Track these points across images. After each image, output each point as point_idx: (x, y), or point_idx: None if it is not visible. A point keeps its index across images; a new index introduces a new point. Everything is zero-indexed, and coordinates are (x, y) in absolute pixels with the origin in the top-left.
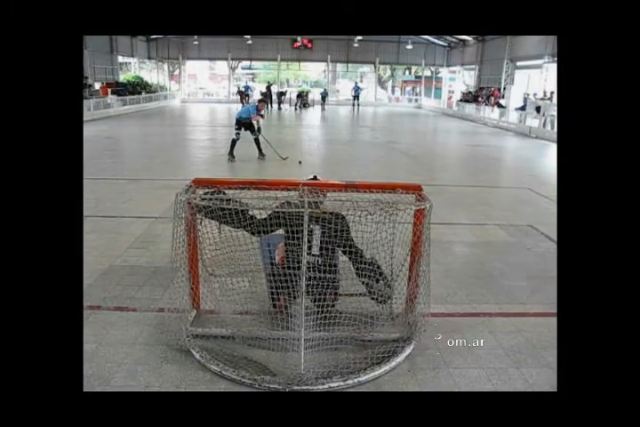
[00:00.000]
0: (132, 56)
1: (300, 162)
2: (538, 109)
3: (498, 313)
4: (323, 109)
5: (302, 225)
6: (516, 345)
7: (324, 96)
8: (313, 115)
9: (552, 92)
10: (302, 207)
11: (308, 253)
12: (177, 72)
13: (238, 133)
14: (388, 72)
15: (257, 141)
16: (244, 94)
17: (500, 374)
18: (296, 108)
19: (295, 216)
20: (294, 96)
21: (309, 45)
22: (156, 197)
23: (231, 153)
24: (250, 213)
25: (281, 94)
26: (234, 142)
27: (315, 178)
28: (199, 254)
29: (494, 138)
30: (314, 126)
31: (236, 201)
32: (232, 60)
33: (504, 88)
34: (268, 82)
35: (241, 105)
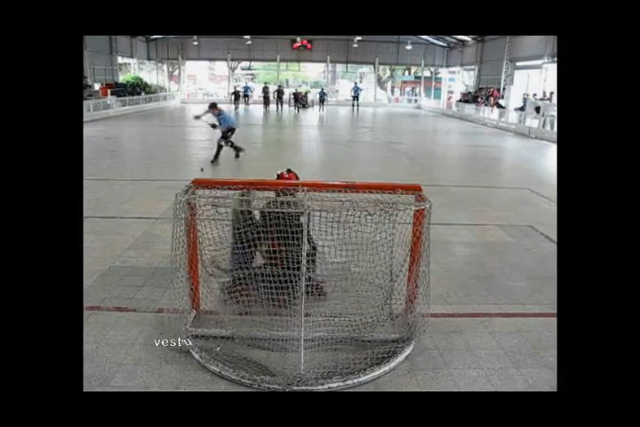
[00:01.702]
0: (132, 57)
1: (202, 169)
2: (537, 110)
3: (498, 313)
4: (320, 110)
5: (300, 226)
6: (515, 345)
7: (321, 97)
8: (312, 116)
9: (552, 93)
10: (302, 207)
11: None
12: (176, 73)
13: (227, 141)
14: (388, 72)
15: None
16: (240, 95)
17: (499, 375)
18: (294, 109)
19: (295, 217)
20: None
21: (309, 46)
22: (155, 197)
23: (238, 152)
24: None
25: (279, 93)
26: (231, 145)
27: (289, 171)
28: (199, 255)
29: (494, 138)
30: (313, 127)
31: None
32: (231, 60)
33: (503, 88)
34: (265, 83)
35: (234, 107)
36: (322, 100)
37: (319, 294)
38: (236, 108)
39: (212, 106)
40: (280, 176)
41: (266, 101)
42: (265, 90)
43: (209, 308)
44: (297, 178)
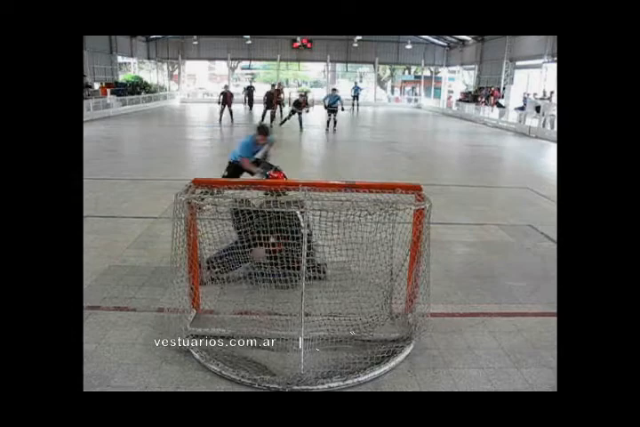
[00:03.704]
0: (132, 56)
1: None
2: (537, 109)
3: (498, 313)
4: (329, 130)
5: (299, 225)
6: (515, 345)
7: (331, 106)
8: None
9: (552, 92)
10: (302, 207)
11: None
12: (176, 72)
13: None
14: (388, 72)
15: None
16: (229, 98)
17: (499, 374)
18: (301, 127)
19: (295, 216)
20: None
21: (309, 45)
22: (155, 197)
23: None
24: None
25: (271, 96)
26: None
27: (277, 170)
28: (199, 255)
29: (494, 138)
30: (312, 126)
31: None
32: (231, 60)
33: (503, 88)
34: (251, 82)
35: (219, 111)
36: (332, 111)
37: (320, 278)
38: (222, 113)
39: (263, 131)
40: (268, 176)
41: (249, 103)
42: (250, 90)
43: (209, 307)
44: (285, 177)
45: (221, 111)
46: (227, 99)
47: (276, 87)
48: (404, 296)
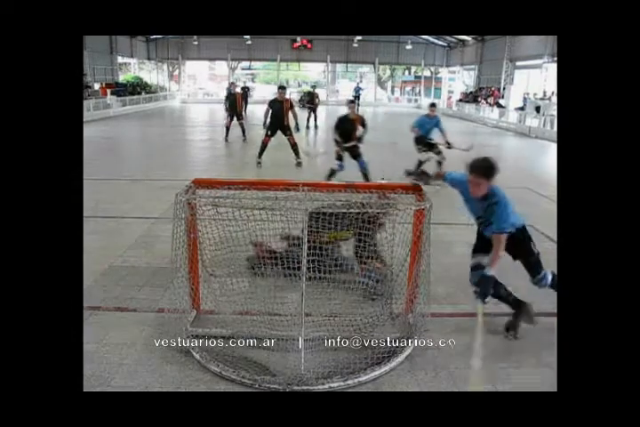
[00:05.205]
0: (132, 56)
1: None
2: (537, 109)
3: (498, 313)
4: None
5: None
6: (515, 345)
7: (427, 138)
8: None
9: (552, 92)
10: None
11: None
12: (177, 72)
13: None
14: (388, 72)
15: None
16: (241, 97)
17: (499, 374)
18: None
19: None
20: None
21: (309, 46)
22: (155, 197)
23: None
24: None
25: (281, 107)
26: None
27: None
28: (199, 255)
29: (494, 138)
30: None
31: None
32: (232, 60)
33: (504, 88)
34: (245, 82)
35: (226, 121)
36: (430, 147)
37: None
38: (229, 125)
39: None
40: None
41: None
42: (245, 91)
43: (209, 308)
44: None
45: (229, 123)
46: (237, 104)
47: (312, 90)
48: (404, 296)
